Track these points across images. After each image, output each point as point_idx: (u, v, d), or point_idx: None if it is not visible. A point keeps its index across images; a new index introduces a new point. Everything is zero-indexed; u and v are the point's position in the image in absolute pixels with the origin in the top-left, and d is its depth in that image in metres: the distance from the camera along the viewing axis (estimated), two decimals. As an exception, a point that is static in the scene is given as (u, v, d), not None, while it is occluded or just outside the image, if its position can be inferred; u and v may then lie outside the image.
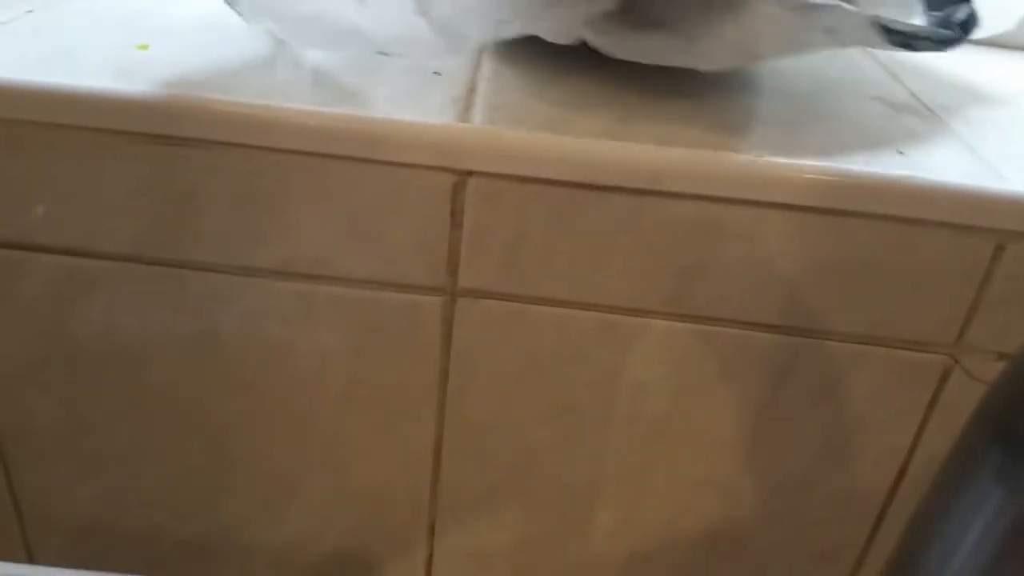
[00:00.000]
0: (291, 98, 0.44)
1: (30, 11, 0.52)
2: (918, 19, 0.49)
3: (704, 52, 0.44)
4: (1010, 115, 0.53)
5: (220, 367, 0.52)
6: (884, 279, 0.46)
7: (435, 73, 0.49)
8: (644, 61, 0.45)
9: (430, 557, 0.58)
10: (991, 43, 0.65)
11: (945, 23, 0.48)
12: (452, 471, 0.55)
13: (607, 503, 0.56)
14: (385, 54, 0.49)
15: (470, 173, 0.45)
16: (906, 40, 0.45)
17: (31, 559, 0.60)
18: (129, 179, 0.46)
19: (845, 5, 0.43)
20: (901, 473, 0.52)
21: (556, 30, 0.45)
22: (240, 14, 0.46)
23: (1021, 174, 0.45)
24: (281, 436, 0.54)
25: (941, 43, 0.46)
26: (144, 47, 0.48)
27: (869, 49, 0.54)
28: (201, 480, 0.56)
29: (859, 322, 0.48)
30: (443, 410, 0.52)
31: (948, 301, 0.47)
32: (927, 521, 0.30)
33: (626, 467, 0.54)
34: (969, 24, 0.48)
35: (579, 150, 0.44)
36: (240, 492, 0.57)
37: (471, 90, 0.48)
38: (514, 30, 0.45)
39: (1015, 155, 0.48)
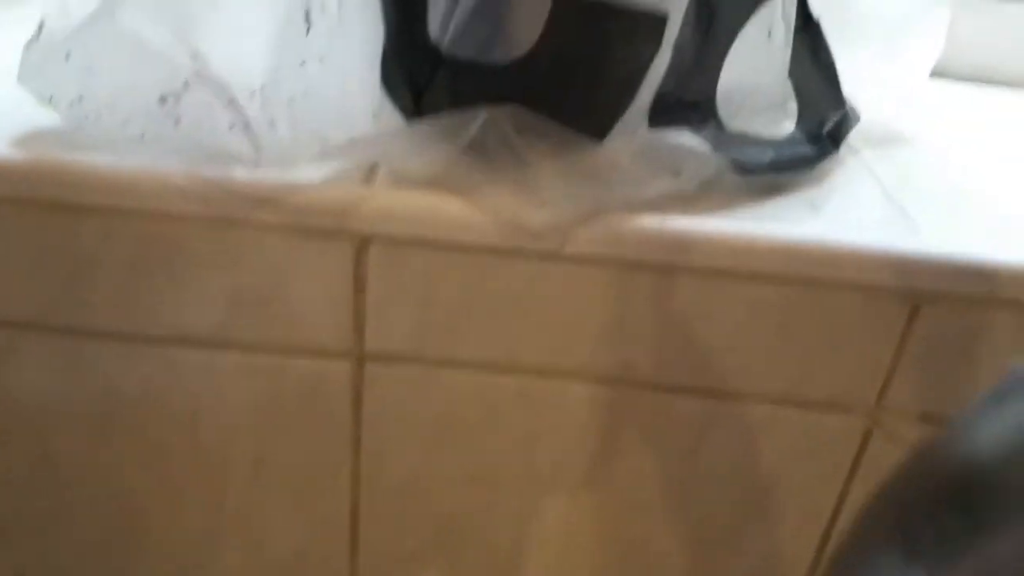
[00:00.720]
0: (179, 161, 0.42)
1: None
2: (789, 123, 0.48)
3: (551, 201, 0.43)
4: (930, 152, 0.52)
5: (124, 437, 0.50)
6: (798, 340, 0.45)
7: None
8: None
9: (351, 627, 0.56)
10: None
11: (815, 134, 0.47)
12: (371, 538, 0.53)
13: (532, 566, 0.54)
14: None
15: (371, 237, 0.43)
16: (764, 169, 0.44)
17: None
18: (23, 247, 0.44)
19: (696, 147, 0.43)
20: (825, 537, 0.50)
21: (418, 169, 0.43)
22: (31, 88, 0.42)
23: (935, 224, 0.44)
24: (191, 507, 0.52)
25: (807, 162, 0.46)
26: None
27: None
28: (110, 553, 0.54)
29: (774, 384, 0.46)
30: (358, 477, 0.51)
31: (865, 363, 0.46)
32: None
33: (549, 530, 0.52)
34: (840, 132, 0.47)
35: (483, 214, 0.42)
36: (151, 565, 0.54)
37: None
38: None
39: (929, 198, 0.47)
